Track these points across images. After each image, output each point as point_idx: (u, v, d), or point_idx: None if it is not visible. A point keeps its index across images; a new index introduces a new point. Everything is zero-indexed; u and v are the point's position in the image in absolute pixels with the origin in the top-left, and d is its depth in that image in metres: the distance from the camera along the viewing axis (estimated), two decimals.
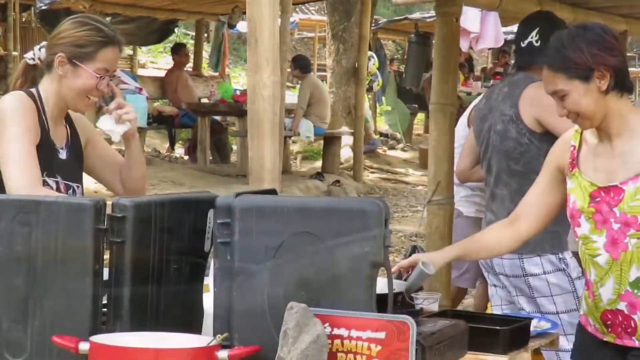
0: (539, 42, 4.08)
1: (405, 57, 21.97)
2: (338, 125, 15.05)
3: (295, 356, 2.17)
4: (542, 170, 3.27)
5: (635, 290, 3.00)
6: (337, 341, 2.28)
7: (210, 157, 14.05)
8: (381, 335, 2.25)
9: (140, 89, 13.53)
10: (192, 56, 16.98)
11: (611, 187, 3.00)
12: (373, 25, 17.59)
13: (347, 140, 15.35)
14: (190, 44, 18.87)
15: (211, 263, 2.68)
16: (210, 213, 2.63)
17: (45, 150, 3.07)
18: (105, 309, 2.46)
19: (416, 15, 20.49)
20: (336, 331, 2.28)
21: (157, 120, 14.18)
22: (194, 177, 12.94)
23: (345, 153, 15.47)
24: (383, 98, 19.61)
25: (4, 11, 17.71)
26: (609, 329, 3.04)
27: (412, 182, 15.96)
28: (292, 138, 14.25)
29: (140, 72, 18.73)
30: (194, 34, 18.47)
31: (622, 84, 3.04)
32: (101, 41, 3.11)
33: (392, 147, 18.89)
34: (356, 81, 15.26)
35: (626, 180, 2.98)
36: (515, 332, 2.79)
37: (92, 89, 3.10)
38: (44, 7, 12.87)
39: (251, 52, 3.01)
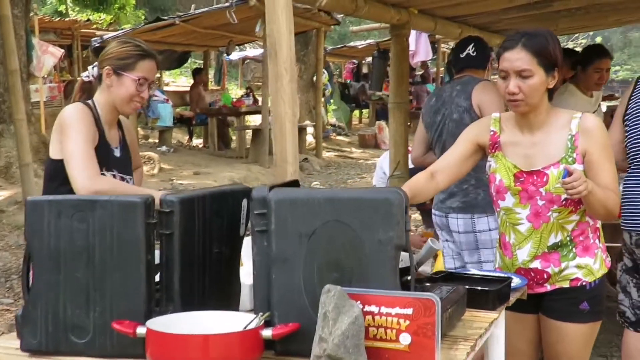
0: (475, 52, 3.72)
1: (371, 68, 22.05)
2: (303, 120, 15.02)
3: (337, 337, 1.58)
4: (462, 141, 2.72)
5: (551, 251, 2.58)
6: (369, 317, 1.70)
7: (217, 145, 13.79)
8: (409, 311, 1.68)
9: (167, 100, 13.59)
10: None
11: (534, 172, 2.53)
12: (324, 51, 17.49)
13: (310, 130, 15.26)
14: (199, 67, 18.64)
15: (244, 243, 2.13)
16: (244, 202, 2.08)
17: (102, 149, 2.60)
18: (158, 293, 1.88)
19: (351, 44, 20.63)
20: (367, 308, 1.70)
21: (179, 120, 14.03)
22: (207, 159, 12.63)
23: (309, 139, 15.39)
24: (331, 100, 19.60)
25: (70, 49, 17.17)
26: None
27: (355, 157, 15.72)
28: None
29: (166, 88, 18.39)
30: (201, 61, 18.17)
31: (555, 89, 2.65)
32: (139, 54, 2.65)
33: (339, 134, 18.77)
34: (314, 90, 15.34)
35: (548, 166, 2.51)
36: (502, 290, 2.23)
37: (135, 94, 2.62)
38: (97, 45, 12.41)
39: (272, 63, 2.46)
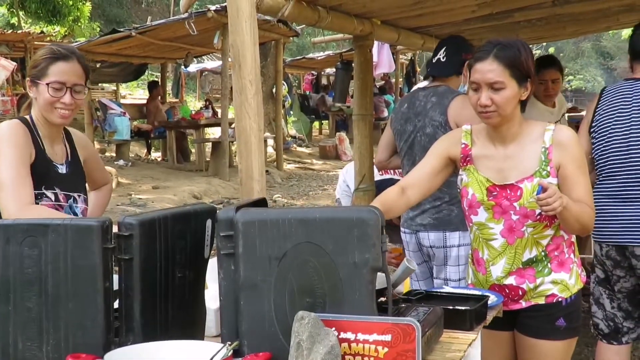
0: (445, 58, 3.53)
1: (330, 80, 22.09)
2: (263, 132, 14.68)
3: None
4: (432, 154, 2.63)
5: (526, 267, 2.51)
6: (345, 344, 1.59)
7: (176, 158, 13.55)
8: (387, 337, 1.58)
9: (124, 112, 13.34)
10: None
11: (507, 185, 2.45)
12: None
13: (270, 142, 15.12)
14: (157, 79, 18.37)
15: (209, 264, 2.01)
16: (208, 223, 1.95)
17: (41, 166, 2.43)
18: (117, 322, 1.74)
19: (310, 55, 20.48)
20: (343, 335, 1.59)
21: (137, 134, 13.82)
22: (166, 173, 12.46)
23: (269, 150, 15.23)
24: (291, 112, 19.49)
25: (24, 62, 16.59)
26: None
27: (316, 169, 15.69)
28: (234, 142, 13.57)
29: (123, 101, 18.06)
30: (158, 73, 17.94)
31: (527, 101, 2.51)
32: (49, 57, 2.45)
33: (300, 145, 18.69)
34: (274, 101, 15.08)
35: (522, 179, 2.43)
36: (479, 309, 2.15)
37: (52, 100, 2.44)
38: None
39: (235, 76, 2.33)
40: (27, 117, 2.50)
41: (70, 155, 2.60)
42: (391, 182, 4.25)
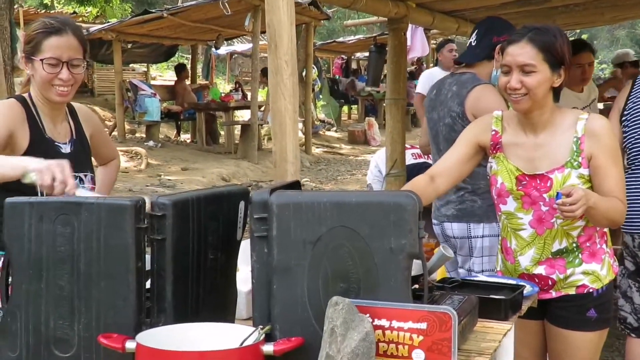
0: (475, 42, 3.35)
1: (360, 64, 21.99)
2: None
3: (346, 355, 1.44)
4: (461, 141, 2.57)
5: (556, 257, 2.45)
6: (379, 332, 1.56)
7: (205, 140, 13.59)
8: (422, 325, 1.54)
9: (155, 94, 13.28)
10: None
11: (537, 175, 2.38)
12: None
13: (299, 125, 14.84)
14: (187, 61, 18.41)
15: (240, 249, 1.98)
16: (241, 205, 1.92)
17: (41, 147, 2.33)
18: (148, 302, 1.73)
19: (340, 39, 20.34)
20: (377, 322, 1.56)
21: (167, 115, 13.77)
22: (195, 154, 12.47)
23: (298, 134, 15.05)
24: (320, 96, 19.41)
25: None
26: None
27: (345, 153, 15.59)
28: (263, 125, 13.54)
29: (153, 82, 18.12)
30: (189, 55, 17.97)
31: (560, 88, 2.43)
32: (43, 32, 2.32)
33: (328, 130, 18.58)
34: (304, 85, 14.88)
35: (552, 170, 2.36)
36: (515, 299, 2.10)
37: (49, 77, 2.32)
38: None
39: (271, 56, 2.29)
40: (26, 95, 2.41)
41: (75, 133, 2.51)
42: (425, 165, 4.18)
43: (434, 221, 3.53)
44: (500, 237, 2.61)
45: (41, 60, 2.30)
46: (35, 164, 1.97)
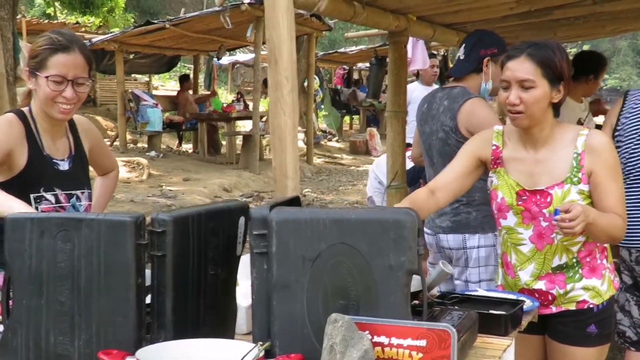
0: (464, 55, 3.34)
1: (362, 74, 22.03)
2: None
3: None
4: (462, 155, 2.57)
5: (556, 272, 2.44)
6: (378, 349, 1.57)
7: (207, 151, 13.58)
8: (422, 343, 1.54)
9: (157, 104, 13.36)
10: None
11: (537, 191, 2.38)
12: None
13: (300, 135, 14.92)
14: (190, 71, 18.46)
15: (240, 263, 1.99)
16: (241, 220, 1.93)
17: (37, 167, 2.29)
18: (148, 317, 1.74)
19: (342, 50, 20.52)
20: (376, 339, 1.57)
21: (169, 125, 13.80)
22: (196, 165, 12.49)
23: (300, 145, 15.05)
24: (322, 106, 19.47)
25: None
26: None
27: (346, 164, 15.60)
28: (265, 135, 13.59)
29: (155, 92, 18.17)
30: (191, 65, 18.04)
31: (560, 104, 2.42)
32: (49, 48, 2.26)
33: (330, 140, 18.60)
34: (306, 96, 14.96)
35: (552, 186, 2.36)
36: (514, 314, 2.10)
37: (53, 95, 2.26)
38: None
39: (271, 71, 2.29)
40: (26, 109, 2.36)
41: (74, 149, 2.46)
42: (422, 169, 4.17)
43: (427, 231, 3.52)
44: (501, 252, 2.61)
45: (46, 77, 2.26)
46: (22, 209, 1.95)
